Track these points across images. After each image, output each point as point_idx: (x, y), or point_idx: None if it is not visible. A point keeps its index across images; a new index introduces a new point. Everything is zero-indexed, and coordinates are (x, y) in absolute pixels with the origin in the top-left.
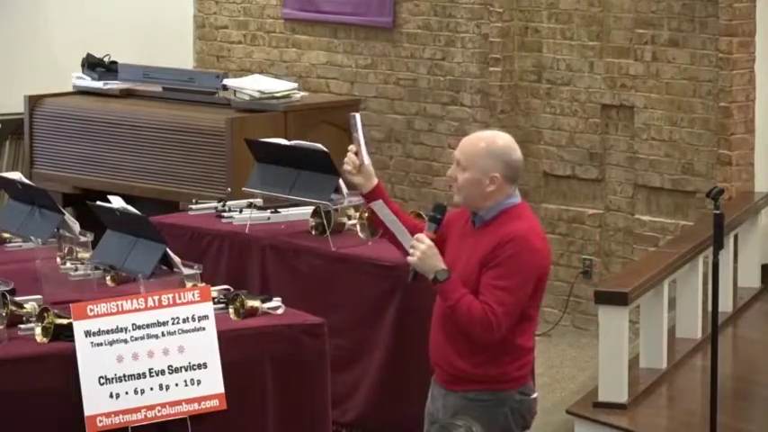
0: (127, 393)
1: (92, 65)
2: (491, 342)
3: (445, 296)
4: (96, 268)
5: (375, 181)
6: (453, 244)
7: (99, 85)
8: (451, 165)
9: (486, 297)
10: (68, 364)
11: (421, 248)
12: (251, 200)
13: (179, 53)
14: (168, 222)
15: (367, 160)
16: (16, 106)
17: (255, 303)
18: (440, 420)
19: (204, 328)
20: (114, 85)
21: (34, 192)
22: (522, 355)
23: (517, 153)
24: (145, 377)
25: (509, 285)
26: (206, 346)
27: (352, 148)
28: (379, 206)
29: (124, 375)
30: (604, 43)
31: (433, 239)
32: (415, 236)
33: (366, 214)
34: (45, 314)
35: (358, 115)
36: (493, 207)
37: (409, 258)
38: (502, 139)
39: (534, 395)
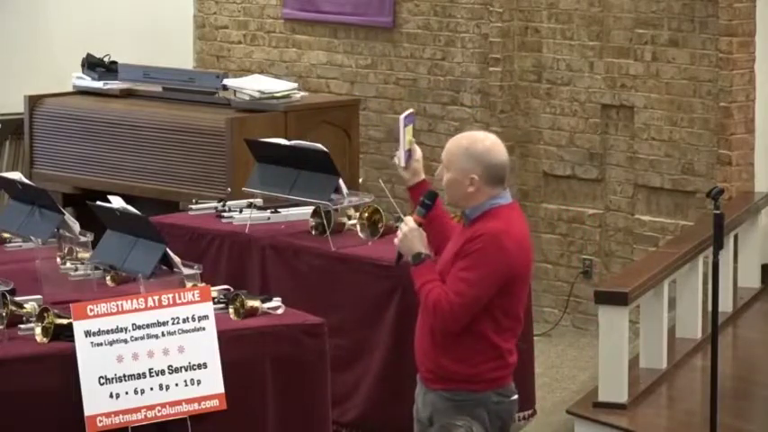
0: (127, 393)
1: (92, 65)
2: (448, 331)
3: (414, 279)
4: (96, 268)
5: (420, 178)
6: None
7: (99, 85)
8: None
9: (449, 286)
10: (68, 364)
11: (403, 230)
12: (251, 200)
13: (179, 53)
14: (168, 222)
15: (417, 155)
16: (16, 106)
17: (255, 303)
18: (422, 419)
19: (204, 328)
20: (114, 85)
21: (34, 192)
22: (498, 356)
23: (500, 155)
24: (145, 377)
25: (469, 278)
26: (206, 346)
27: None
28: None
29: (124, 375)
30: (604, 43)
31: (419, 224)
32: (405, 218)
33: (366, 214)
34: (45, 314)
35: (402, 118)
36: (477, 207)
37: (395, 240)
38: (485, 141)
39: (514, 397)
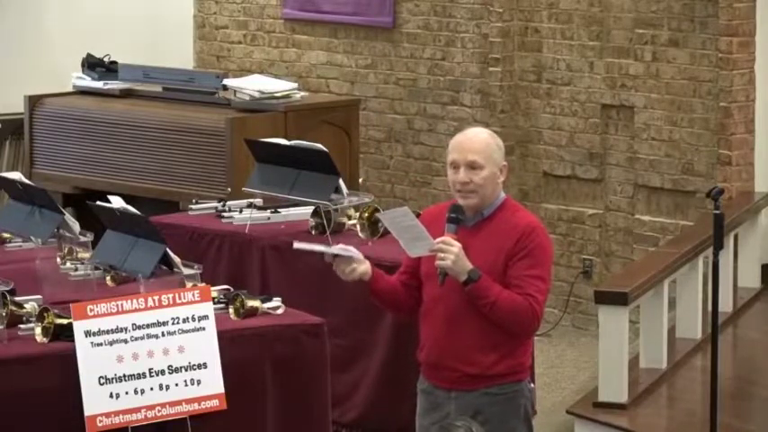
0: (127, 393)
1: (92, 65)
2: (533, 332)
3: (482, 294)
4: (96, 268)
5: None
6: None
7: (99, 85)
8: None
9: (525, 288)
10: (68, 364)
11: (453, 251)
12: (251, 200)
13: (179, 53)
14: (168, 222)
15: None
16: (16, 106)
17: (255, 303)
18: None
19: (204, 328)
20: (114, 85)
21: (34, 192)
22: (529, 343)
23: None
24: (145, 377)
25: (541, 274)
26: (206, 346)
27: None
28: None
29: (124, 375)
30: (604, 43)
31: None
32: (441, 238)
33: (366, 214)
34: (45, 314)
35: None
36: (494, 202)
37: (441, 263)
38: (490, 131)
39: (533, 385)
